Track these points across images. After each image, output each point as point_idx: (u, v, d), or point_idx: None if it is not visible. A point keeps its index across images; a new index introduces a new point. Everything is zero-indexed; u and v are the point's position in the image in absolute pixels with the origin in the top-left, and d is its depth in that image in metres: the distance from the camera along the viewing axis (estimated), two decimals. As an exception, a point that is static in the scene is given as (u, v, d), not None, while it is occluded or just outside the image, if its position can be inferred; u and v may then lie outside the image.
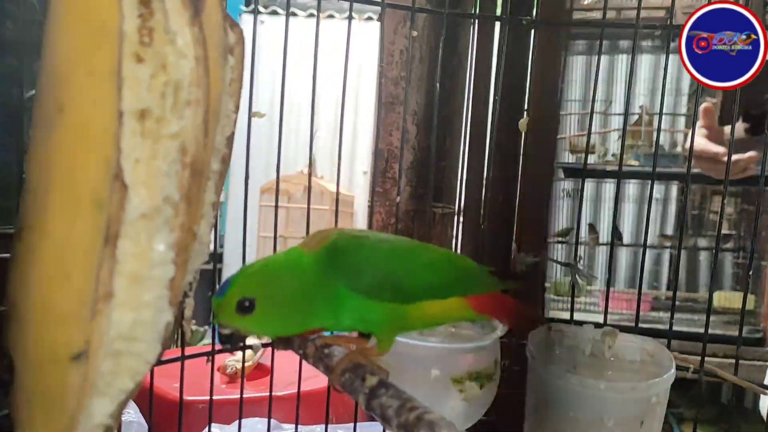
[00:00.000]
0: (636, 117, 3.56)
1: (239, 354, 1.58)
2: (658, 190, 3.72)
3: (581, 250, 3.61)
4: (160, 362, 0.73)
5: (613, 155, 3.41)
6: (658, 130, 0.90)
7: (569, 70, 3.59)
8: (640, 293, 0.79)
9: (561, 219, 3.59)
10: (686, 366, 0.74)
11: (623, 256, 3.71)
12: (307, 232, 0.76)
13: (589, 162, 3.29)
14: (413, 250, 0.59)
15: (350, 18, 0.88)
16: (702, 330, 0.75)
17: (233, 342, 0.56)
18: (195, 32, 0.48)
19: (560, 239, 3.26)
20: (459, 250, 1.68)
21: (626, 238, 3.68)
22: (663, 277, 3.65)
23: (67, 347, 0.42)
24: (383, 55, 1.61)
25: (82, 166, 0.40)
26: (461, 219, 1.63)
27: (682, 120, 3.59)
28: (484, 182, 1.74)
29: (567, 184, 3.40)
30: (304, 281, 0.55)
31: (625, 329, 0.72)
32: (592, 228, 3.51)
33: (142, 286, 0.45)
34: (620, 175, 0.89)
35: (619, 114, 3.41)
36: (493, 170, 1.77)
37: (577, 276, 0.77)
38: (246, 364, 1.55)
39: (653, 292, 3.53)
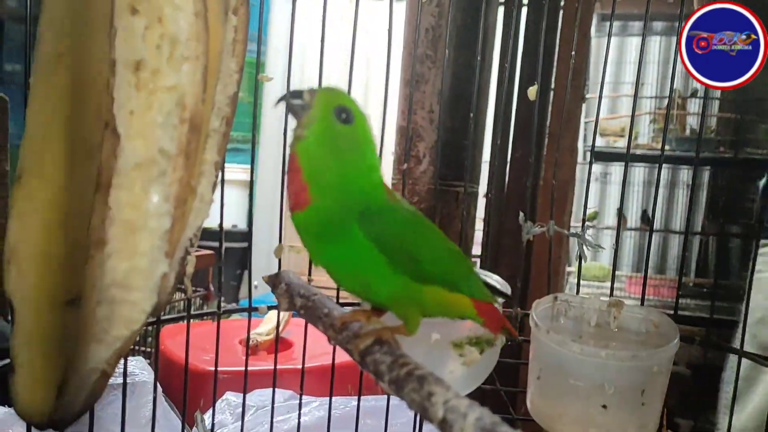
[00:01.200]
0: (668, 100, 3.48)
1: (262, 327, 1.61)
2: (690, 175, 3.65)
3: (610, 235, 3.57)
4: (165, 320, 0.75)
5: (652, 137, 3.34)
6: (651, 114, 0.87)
7: (599, 51, 3.53)
8: (646, 275, 0.78)
9: (588, 202, 3.54)
10: (692, 338, 0.73)
11: (653, 242, 3.65)
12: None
13: (617, 145, 3.24)
14: (438, 236, 0.60)
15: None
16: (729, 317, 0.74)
17: (295, 113, 0.51)
18: (194, -13, 0.49)
19: (588, 223, 3.23)
20: (483, 229, 1.68)
21: (655, 223, 3.62)
22: (692, 263, 3.59)
23: (61, 292, 0.43)
24: (407, 33, 1.60)
25: (74, 114, 0.41)
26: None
27: (716, 104, 3.51)
28: (508, 162, 1.74)
29: (595, 168, 3.36)
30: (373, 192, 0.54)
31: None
32: (620, 212, 3.46)
33: (138, 236, 0.46)
34: (627, 158, 0.87)
35: (651, 97, 3.35)
36: (518, 150, 1.76)
37: (584, 246, 0.76)
38: (267, 337, 1.58)
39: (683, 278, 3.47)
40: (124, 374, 0.65)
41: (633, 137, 3.32)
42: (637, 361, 0.63)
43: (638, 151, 3.05)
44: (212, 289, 2.04)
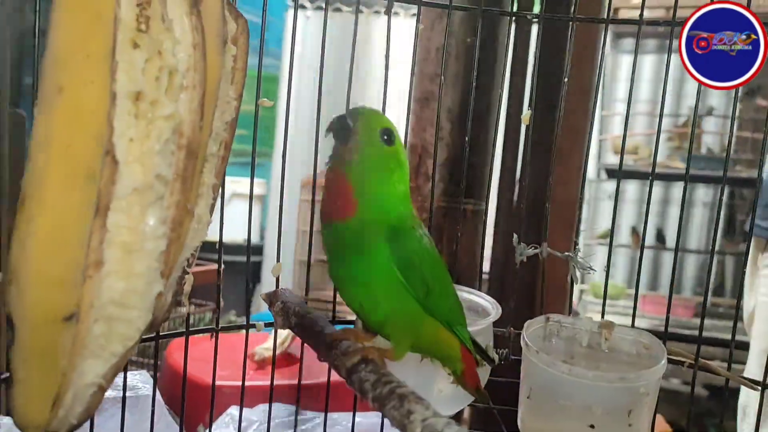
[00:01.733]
0: (684, 118, 3.48)
1: (270, 342, 1.63)
2: (707, 193, 3.64)
3: (622, 253, 3.56)
4: (163, 335, 0.77)
5: (668, 155, 3.35)
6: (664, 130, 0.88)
7: (616, 68, 3.54)
8: (636, 294, 0.79)
9: (601, 220, 3.53)
10: (681, 361, 0.74)
11: (668, 260, 3.63)
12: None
13: (632, 164, 3.24)
14: (448, 274, 0.63)
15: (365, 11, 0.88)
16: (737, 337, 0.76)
17: (337, 134, 0.57)
18: (193, 21, 0.51)
19: (601, 241, 3.23)
20: (491, 247, 1.68)
21: (671, 241, 3.61)
22: (708, 283, 3.56)
23: (59, 309, 0.45)
24: (416, 52, 1.62)
25: (76, 143, 0.44)
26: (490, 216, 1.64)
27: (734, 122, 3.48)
28: (517, 180, 1.75)
29: (609, 186, 3.36)
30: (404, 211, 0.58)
31: (658, 334, 0.72)
32: (634, 230, 3.46)
33: (134, 257, 0.48)
34: (618, 175, 0.89)
35: (666, 115, 3.34)
36: (526, 168, 1.77)
37: (574, 268, 0.78)
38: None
39: (697, 297, 3.45)
40: (124, 388, 0.67)
41: (647, 155, 3.32)
42: (624, 383, 0.64)
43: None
44: (222, 302, 2.06)
